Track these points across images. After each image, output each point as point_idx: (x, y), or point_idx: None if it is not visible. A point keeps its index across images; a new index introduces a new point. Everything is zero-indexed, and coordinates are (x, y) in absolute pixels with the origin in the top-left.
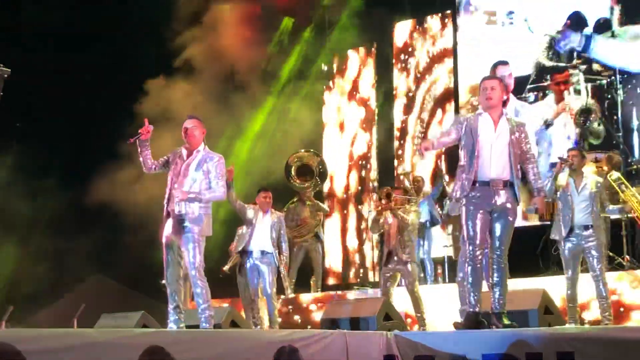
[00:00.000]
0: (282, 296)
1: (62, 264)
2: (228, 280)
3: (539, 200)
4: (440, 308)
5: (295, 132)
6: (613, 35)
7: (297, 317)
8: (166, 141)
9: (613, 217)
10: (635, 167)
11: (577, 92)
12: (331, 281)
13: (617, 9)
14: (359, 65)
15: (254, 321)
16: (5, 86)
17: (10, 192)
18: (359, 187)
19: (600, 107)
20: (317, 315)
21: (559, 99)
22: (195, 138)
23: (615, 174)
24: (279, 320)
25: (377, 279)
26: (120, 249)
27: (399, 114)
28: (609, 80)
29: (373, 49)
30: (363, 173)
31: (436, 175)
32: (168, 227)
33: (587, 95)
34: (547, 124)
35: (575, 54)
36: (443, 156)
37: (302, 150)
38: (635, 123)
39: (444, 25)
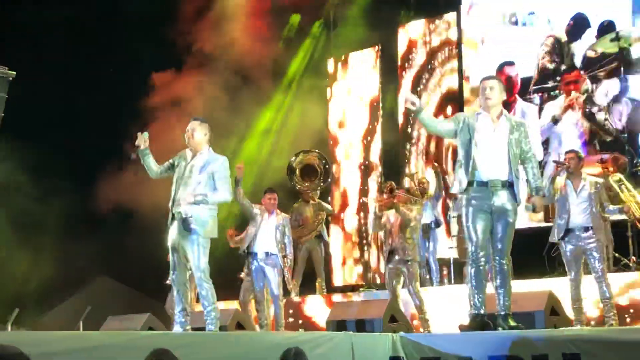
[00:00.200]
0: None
1: (68, 266)
2: (234, 282)
3: (537, 199)
4: (446, 309)
5: (302, 131)
6: (617, 38)
7: (302, 319)
8: (174, 136)
9: (619, 217)
10: None
11: (585, 91)
12: (337, 282)
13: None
14: (364, 65)
15: (260, 323)
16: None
17: (16, 193)
18: (364, 187)
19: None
20: (323, 317)
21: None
22: (198, 140)
23: (618, 175)
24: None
25: (380, 281)
26: (126, 251)
27: (403, 115)
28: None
29: (378, 49)
30: (368, 173)
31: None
32: (173, 230)
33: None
34: (555, 120)
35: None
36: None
37: (302, 153)
38: None
39: (448, 26)
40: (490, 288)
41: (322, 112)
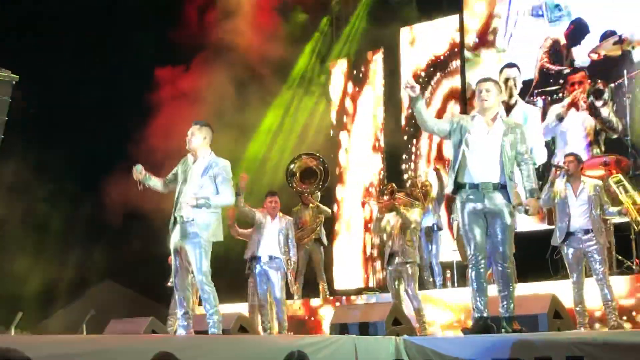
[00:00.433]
0: (290, 301)
1: (72, 269)
2: (237, 285)
3: (530, 201)
4: (449, 312)
5: (305, 130)
6: (620, 41)
7: (305, 322)
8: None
9: (622, 220)
10: None
11: (589, 92)
12: (341, 286)
13: None
14: (368, 65)
15: (263, 326)
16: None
17: (21, 196)
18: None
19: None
20: (326, 320)
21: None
22: (198, 144)
23: (617, 176)
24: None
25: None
26: (129, 254)
27: (405, 118)
28: (616, 83)
29: (382, 50)
30: (370, 175)
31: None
32: (176, 234)
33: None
34: (561, 117)
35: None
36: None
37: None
38: None
39: (449, 29)
40: (493, 291)
41: (326, 112)
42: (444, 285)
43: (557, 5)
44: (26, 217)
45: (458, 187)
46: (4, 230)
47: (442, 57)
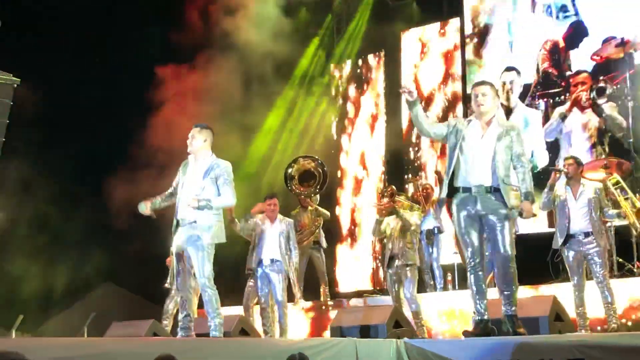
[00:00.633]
0: (292, 304)
1: (73, 272)
2: (239, 288)
3: (525, 204)
4: (450, 315)
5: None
6: (622, 43)
7: (307, 325)
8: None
9: (622, 223)
10: None
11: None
12: (342, 289)
13: None
14: (369, 70)
15: (265, 329)
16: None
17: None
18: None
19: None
20: (327, 323)
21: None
22: (198, 146)
23: (615, 178)
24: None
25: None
26: (130, 257)
27: (407, 121)
28: (618, 87)
29: (383, 54)
30: (371, 177)
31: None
32: (178, 236)
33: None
34: (564, 116)
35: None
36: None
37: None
38: None
39: (450, 32)
40: (494, 293)
41: (328, 114)
42: (444, 288)
43: (563, 6)
44: (26, 218)
45: (453, 191)
46: (4, 231)
47: (443, 60)
